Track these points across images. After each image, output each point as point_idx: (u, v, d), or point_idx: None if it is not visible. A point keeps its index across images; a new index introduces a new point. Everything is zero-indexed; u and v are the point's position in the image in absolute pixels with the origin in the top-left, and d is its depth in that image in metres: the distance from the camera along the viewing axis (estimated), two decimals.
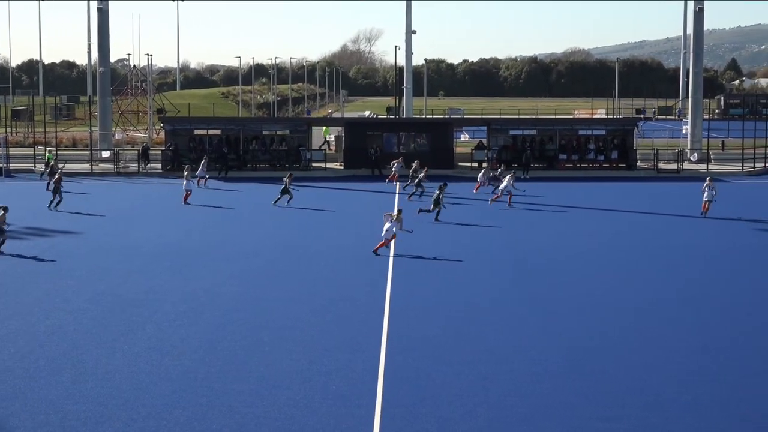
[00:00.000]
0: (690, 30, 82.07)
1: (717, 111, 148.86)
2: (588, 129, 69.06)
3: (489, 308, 27.10)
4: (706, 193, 45.41)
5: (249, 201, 51.38)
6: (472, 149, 70.70)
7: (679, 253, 35.98)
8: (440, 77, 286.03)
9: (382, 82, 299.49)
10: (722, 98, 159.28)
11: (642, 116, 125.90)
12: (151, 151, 70.08)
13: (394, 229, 34.70)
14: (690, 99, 77.15)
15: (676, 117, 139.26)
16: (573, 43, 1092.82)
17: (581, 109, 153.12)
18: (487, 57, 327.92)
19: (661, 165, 68.15)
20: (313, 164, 66.94)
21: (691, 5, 78.89)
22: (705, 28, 76.80)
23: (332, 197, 53.42)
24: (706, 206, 45.14)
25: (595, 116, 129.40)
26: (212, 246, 37.27)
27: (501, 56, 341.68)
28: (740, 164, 68.17)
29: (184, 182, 49.69)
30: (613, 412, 18.81)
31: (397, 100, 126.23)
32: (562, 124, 73.95)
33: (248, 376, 20.85)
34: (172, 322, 25.50)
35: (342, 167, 66.82)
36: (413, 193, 51.13)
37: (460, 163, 68.13)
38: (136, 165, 67.37)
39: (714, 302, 28.00)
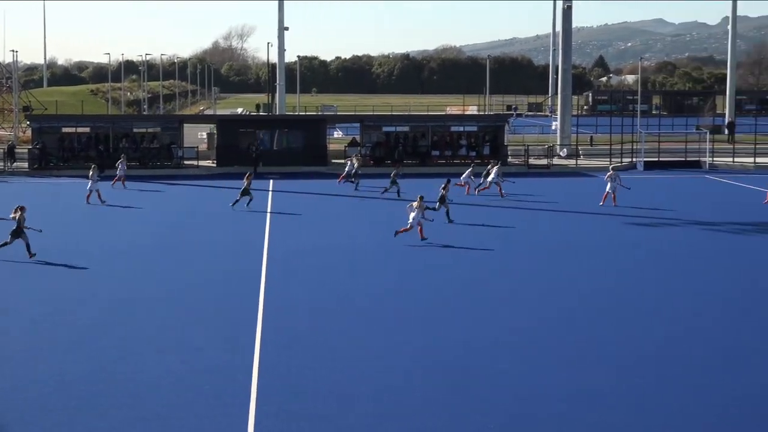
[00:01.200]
0: (559, 28, 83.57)
1: (585, 107, 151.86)
2: (460, 125, 69.76)
3: (365, 305, 27.18)
4: (609, 184, 46.58)
5: (129, 199, 50.51)
6: (345, 146, 70.81)
7: (549, 247, 36.56)
8: (313, 74, 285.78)
9: (255, 79, 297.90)
10: (590, 95, 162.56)
11: (515, 112, 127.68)
12: (17, 150, 68.48)
13: (417, 216, 36.31)
14: (559, 95, 78.46)
15: (546, 113, 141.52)
16: (445, 41, 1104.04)
17: (453, 105, 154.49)
18: (359, 54, 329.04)
19: (532, 160, 69.19)
20: (185, 162, 66.27)
21: (560, 4, 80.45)
22: (573, 26, 78.22)
23: (207, 195, 52.93)
24: (614, 197, 46.64)
25: (467, 113, 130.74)
26: (86, 246, 36.57)
27: (373, 53, 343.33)
28: (608, 159, 69.55)
29: (89, 183, 48.65)
30: (488, 405, 19.05)
31: (270, 97, 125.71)
32: (434, 121, 74.56)
33: (120, 377, 20.53)
34: (39, 324, 24.95)
35: (215, 165, 66.25)
36: (387, 189, 50.25)
37: (333, 160, 68.16)
38: (2, 164, 65.74)
39: (591, 296, 28.54)
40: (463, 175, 53.34)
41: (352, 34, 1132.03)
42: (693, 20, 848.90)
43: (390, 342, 23.32)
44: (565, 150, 74.23)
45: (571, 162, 70.06)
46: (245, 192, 45.68)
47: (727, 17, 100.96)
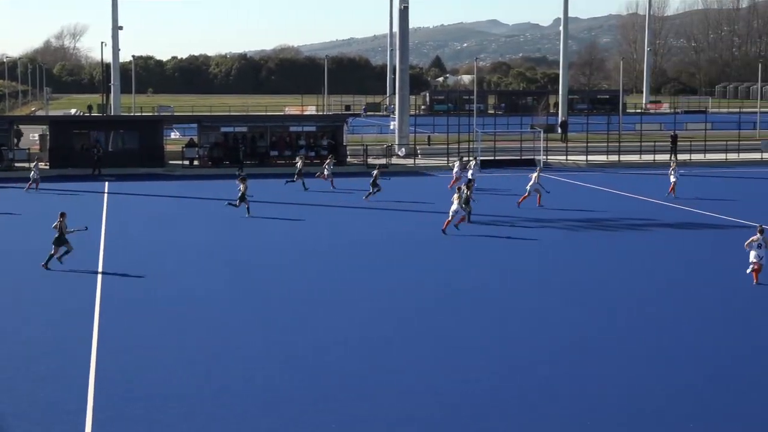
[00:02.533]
0: (396, 28, 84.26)
1: (423, 107, 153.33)
2: (299, 125, 69.77)
3: (201, 305, 26.95)
4: (530, 183, 46.90)
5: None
6: (182, 147, 70.02)
7: (384, 246, 36.88)
8: (149, 74, 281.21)
9: (89, 79, 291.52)
10: (428, 94, 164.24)
11: (364, 112, 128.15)
12: None
13: (459, 207, 39.22)
14: (397, 95, 79.03)
15: (385, 113, 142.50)
16: (282, 41, 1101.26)
17: (292, 105, 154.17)
18: (196, 53, 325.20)
19: (371, 160, 69.60)
20: (16, 164, 64.49)
21: (396, 4, 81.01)
22: (410, 27, 78.93)
23: (40, 198, 51.57)
24: (539, 197, 46.96)
25: (306, 113, 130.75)
26: None
27: (210, 53, 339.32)
28: (446, 158, 70.47)
29: None
30: (327, 404, 19.15)
31: (105, 98, 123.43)
32: (273, 121, 74.37)
33: None
34: None
35: (48, 167, 64.64)
36: (370, 193, 49.83)
37: (170, 161, 67.36)
38: None
39: (440, 297, 28.93)
40: (455, 170, 54.45)
41: (188, 34, 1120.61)
42: (526, 21, 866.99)
43: (227, 343, 23.19)
44: (403, 149, 74.93)
45: (410, 161, 70.78)
46: (242, 198, 43.62)
47: (559, 18, 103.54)
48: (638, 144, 74.27)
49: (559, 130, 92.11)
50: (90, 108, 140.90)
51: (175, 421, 18.16)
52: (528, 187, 46.99)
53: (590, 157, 71.05)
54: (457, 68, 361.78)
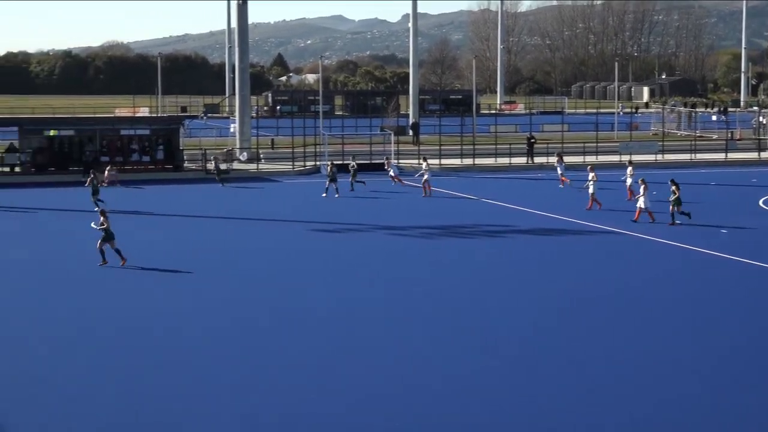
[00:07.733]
0: (234, 23, 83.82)
1: (265, 108, 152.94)
2: (131, 128, 68.76)
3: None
4: (591, 186, 48.14)
5: None
6: (2, 152, 68.29)
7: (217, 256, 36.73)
8: None
9: None
10: (270, 95, 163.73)
11: (204, 114, 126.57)
12: None
13: (646, 200, 44.03)
14: (237, 96, 78.65)
15: (224, 114, 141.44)
16: (111, 36, 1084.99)
17: (123, 107, 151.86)
18: (15, 51, 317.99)
19: (210, 165, 68.92)
20: None
21: None
22: (250, 22, 78.62)
23: None
24: (592, 200, 48.80)
25: (138, 115, 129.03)
26: None
27: (31, 50, 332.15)
28: (291, 163, 70.29)
29: None
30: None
31: None
32: (103, 124, 73.09)
33: None
34: None
35: None
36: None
37: None
38: None
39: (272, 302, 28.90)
40: (392, 171, 58.48)
41: (5, 30, 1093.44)
42: (374, 17, 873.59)
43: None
44: (245, 154, 74.46)
45: (252, 166, 70.39)
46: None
47: (407, 14, 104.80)
48: (493, 146, 75.24)
49: (410, 133, 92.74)
50: None
51: None
52: (590, 191, 48.61)
53: (444, 161, 71.56)
54: (301, 67, 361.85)
